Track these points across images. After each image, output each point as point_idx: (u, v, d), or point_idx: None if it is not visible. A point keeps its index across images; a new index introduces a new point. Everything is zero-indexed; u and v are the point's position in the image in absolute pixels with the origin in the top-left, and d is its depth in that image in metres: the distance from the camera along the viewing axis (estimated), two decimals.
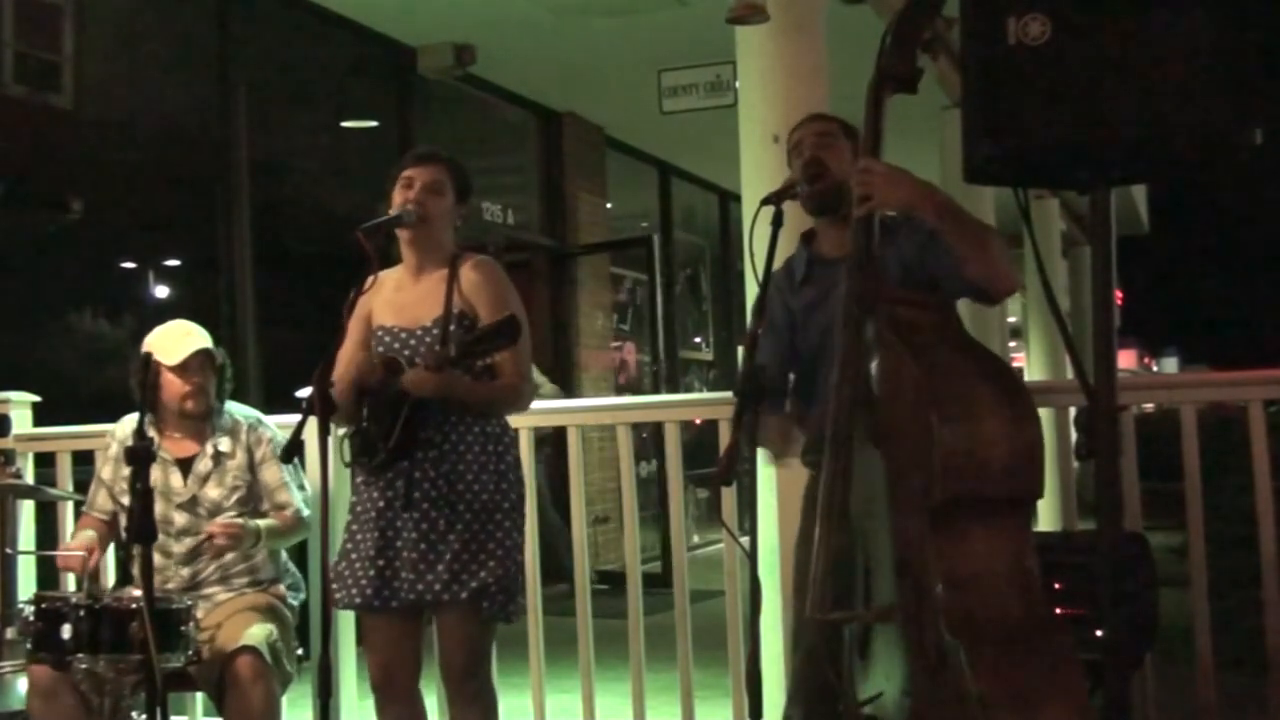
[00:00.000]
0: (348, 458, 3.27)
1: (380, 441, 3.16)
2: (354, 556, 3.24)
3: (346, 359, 3.29)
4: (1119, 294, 18.16)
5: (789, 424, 3.22)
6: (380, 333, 3.32)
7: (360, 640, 3.81)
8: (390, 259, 3.41)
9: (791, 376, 3.18)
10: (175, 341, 3.72)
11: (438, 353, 3.11)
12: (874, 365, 2.58)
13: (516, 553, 3.24)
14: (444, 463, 3.18)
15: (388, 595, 3.18)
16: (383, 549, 3.18)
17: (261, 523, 3.68)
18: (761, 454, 3.77)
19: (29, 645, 3.37)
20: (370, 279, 3.19)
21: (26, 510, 4.45)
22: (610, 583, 7.69)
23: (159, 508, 3.46)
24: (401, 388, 3.13)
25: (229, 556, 3.69)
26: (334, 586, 3.25)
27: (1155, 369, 32.73)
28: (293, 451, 3.22)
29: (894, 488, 2.54)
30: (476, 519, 3.17)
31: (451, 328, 3.20)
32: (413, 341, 3.25)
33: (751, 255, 3.04)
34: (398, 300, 3.33)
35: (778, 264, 3.06)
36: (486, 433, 3.24)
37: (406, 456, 3.16)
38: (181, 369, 3.71)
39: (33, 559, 4.43)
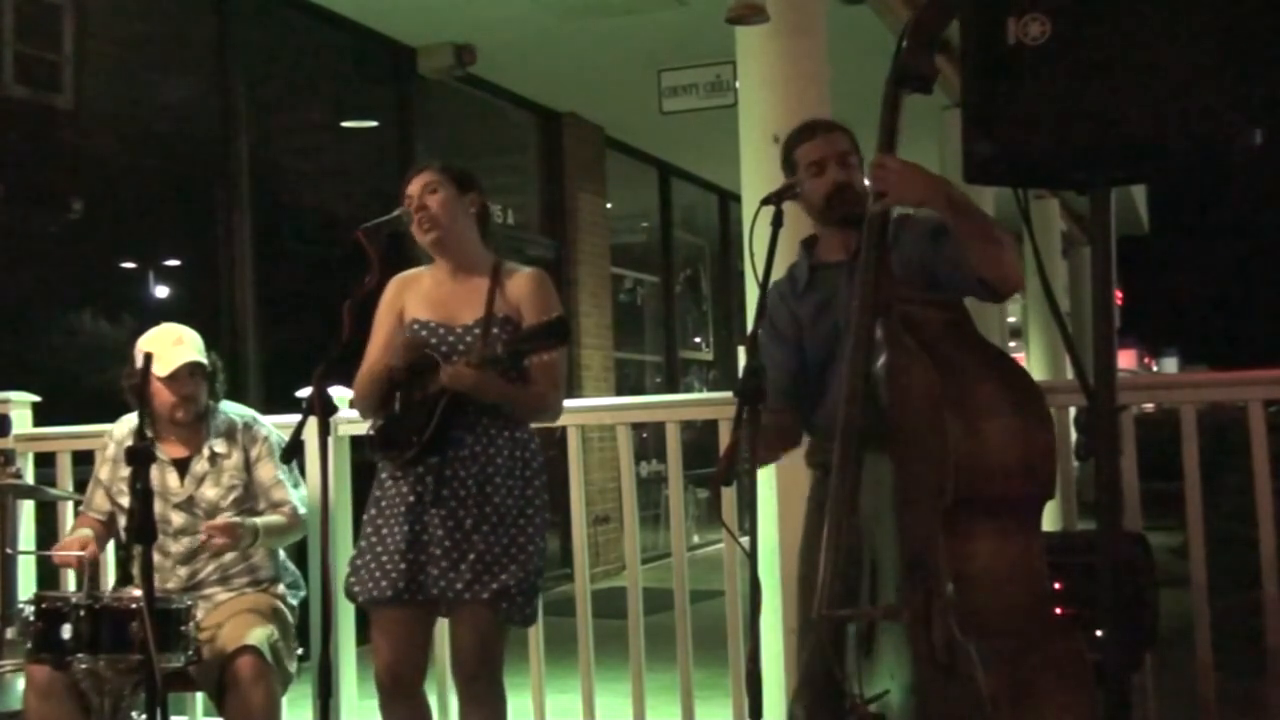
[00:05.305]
0: (373, 452, 3.27)
1: (414, 435, 3.17)
2: (380, 550, 3.23)
3: (377, 352, 3.32)
4: (1119, 294, 18.16)
5: (776, 431, 3.15)
6: (416, 326, 3.32)
7: (361, 639, 3.81)
8: (391, 259, 3.42)
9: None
10: (165, 350, 3.70)
11: (483, 349, 3.14)
12: (882, 364, 2.58)
13: (538, 558, 3.26)
14: (474, 463, 3.20)
15: (415, 589, 3.19)
16: (412, 543, 3.19)
17: (259, 520, 3.68)
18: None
19: (29, 645, 3.37)
20: (369, 279, 3.20)
21: (26, 510, 4.44)
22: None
23: (156, 507, 3.46)
24: (440, 382, 3.13)
25: (228, 556, 3.70)
26: (352, 580, 3.25)
27: (1155, 369, 32.73)
28: (293, 452, 3.23)
29: (903, 487, 2.53)
30: (502, 522, 3.19)
31: (494, 330, 3.22)
32: (450, 338, 3.27)
33: (751, 255, 3.03)
34: (436, 296, 3.35)
35: (778, 268, 3.04)
36: (515, 439, 3.26)
37: (438, 452, 3.18)
38: (171, 379, 3.71)
39: (33, 559, 4.43)
